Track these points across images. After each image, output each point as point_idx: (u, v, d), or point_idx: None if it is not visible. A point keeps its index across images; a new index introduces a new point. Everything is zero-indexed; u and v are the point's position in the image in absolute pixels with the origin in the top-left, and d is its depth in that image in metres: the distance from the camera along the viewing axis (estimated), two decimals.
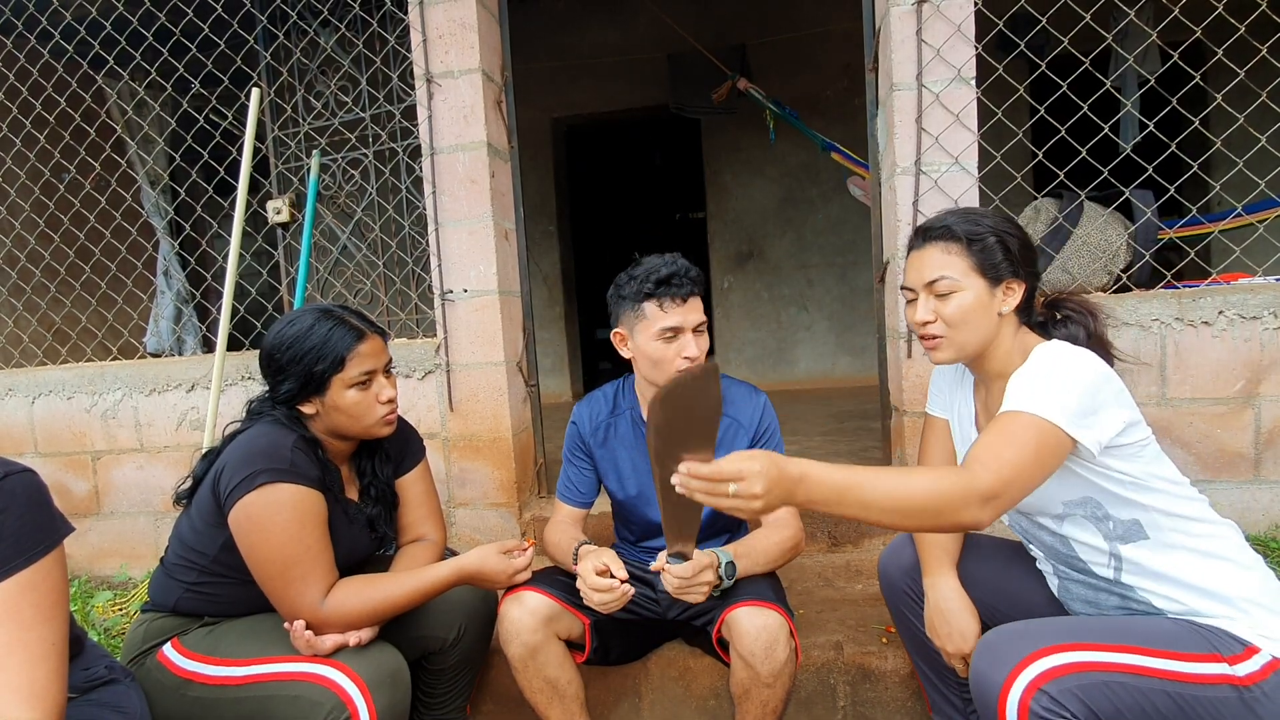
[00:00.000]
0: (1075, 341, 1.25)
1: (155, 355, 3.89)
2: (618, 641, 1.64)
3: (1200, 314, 1.99)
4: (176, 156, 3.51)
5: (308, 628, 1.30)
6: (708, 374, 1.07)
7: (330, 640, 1.30)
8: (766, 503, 0.96)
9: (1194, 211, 2.43)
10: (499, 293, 2.34)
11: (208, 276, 4.83)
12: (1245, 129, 2.25)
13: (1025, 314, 1.28)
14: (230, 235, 2.37)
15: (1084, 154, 2.13)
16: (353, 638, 1.32)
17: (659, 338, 1.49)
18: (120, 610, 2.36)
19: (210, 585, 1.40)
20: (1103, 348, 1.26)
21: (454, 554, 1.53)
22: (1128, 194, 2.28)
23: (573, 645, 1.58)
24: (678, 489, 0.98)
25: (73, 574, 2.73)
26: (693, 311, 1.50)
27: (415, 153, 2.47)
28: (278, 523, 1.29)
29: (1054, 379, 1.11)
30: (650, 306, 1.49)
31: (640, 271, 1.51)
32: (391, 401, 1.45)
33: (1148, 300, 2.02)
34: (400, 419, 1.53)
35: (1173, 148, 2.25)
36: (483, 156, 2.31)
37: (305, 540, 1.31)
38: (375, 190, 2.71)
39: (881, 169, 2.27)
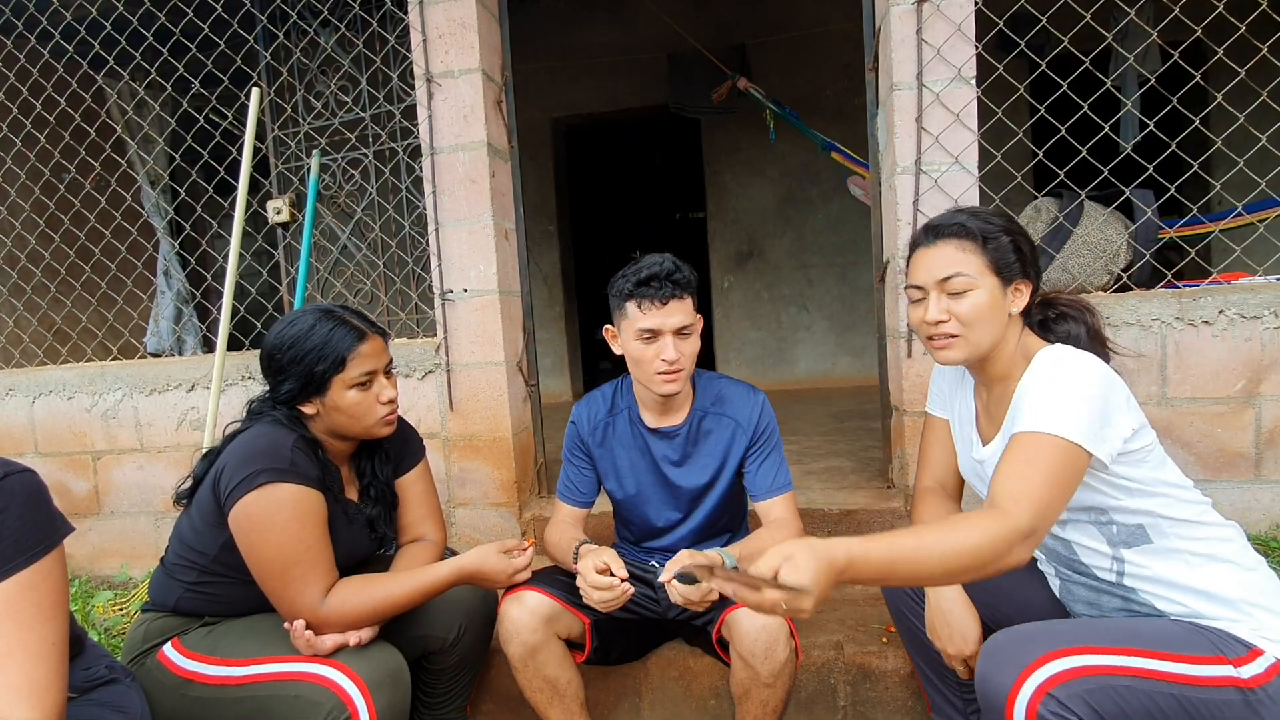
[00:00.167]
0: (1077, 340, 1.24)
1: (155, 355, 3.89)
2: (618, 641, 1.64)
3: (1201, 313, 1.98)
4: (176, 156, 3.52)
5: (308, 627, 1.30)
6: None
7: (330, 640, 1.30)
8: (817, 605, 0.94)
9: (1194, 211, 2.43)
10: (499, 292, 2.34)
11: (208, 276, 4.83)
12: (1246, 128, 2.25)
13: (1026, 315, 1.27)
14: (230, 235, 2.38)
15: (1084, 153, 2.13)
16: (353, 637, 1.32)
17: (638, 338, 1.48)
18: (120, 610, 2.36)
19: (210, 585, 1.40)
20: (1102, 344, 1.26)
21: (454, 554, 1.53)
22: (1128, 193, 2.28)
23: (573, 645, 1.58)
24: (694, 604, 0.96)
25: (73, 574, 2.73)
26: (673, 315, 1.46)
27: (415, 152, 2.47)
28: (278, 522, 1.29)
29: (1067, 393, 1.10)
30: (631, 306, 1.48)
31: (630, 270, 1.50)
32: (392, 402, 1.45)
33: (1148, 300, 2.02)
34: (400, 419, 1.53)
35: (1173, 147, 2.25)
36: (483, 156, 2.31)
37: (305, 540, 1.31)
38: (375, 190, 2.71)
39: (882, 168, 2.27)
